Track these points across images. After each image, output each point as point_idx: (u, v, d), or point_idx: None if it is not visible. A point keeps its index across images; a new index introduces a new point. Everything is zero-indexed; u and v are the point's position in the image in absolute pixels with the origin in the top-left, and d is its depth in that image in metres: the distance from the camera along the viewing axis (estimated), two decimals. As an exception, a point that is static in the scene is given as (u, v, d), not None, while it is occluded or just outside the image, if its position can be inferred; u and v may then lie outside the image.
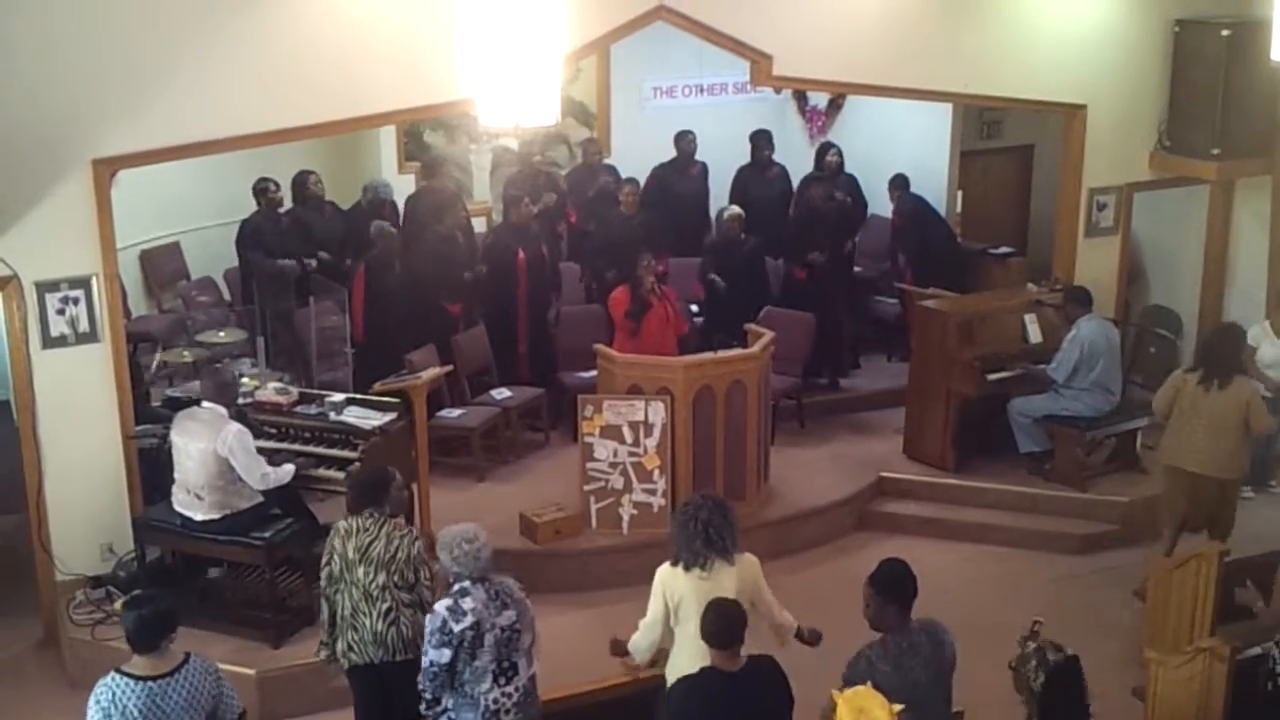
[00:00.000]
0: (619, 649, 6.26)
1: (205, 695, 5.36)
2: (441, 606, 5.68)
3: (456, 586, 5.72)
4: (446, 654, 5.63)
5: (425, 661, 5.70)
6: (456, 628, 5.59)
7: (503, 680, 5.70)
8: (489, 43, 4.82)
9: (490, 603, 5.67)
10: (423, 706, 5.79)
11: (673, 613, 5.93)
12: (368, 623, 6.37)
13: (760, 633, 6.07)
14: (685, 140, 12.21)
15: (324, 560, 6.54)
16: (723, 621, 5.33)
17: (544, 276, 10.85)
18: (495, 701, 5.69)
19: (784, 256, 11.46)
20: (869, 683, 5.24)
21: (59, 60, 7.63)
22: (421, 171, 11.96)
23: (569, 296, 11.36)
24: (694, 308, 11.29)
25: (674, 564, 6.00)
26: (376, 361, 9.59)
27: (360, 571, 6.36)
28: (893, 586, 5.53)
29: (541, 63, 4.88)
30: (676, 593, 5.90)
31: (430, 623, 5.69)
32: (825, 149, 12.36)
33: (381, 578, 6.32)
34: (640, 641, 6.12)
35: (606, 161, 12.39)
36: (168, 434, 7.83)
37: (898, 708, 4.94)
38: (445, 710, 5.80)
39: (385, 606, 6.34)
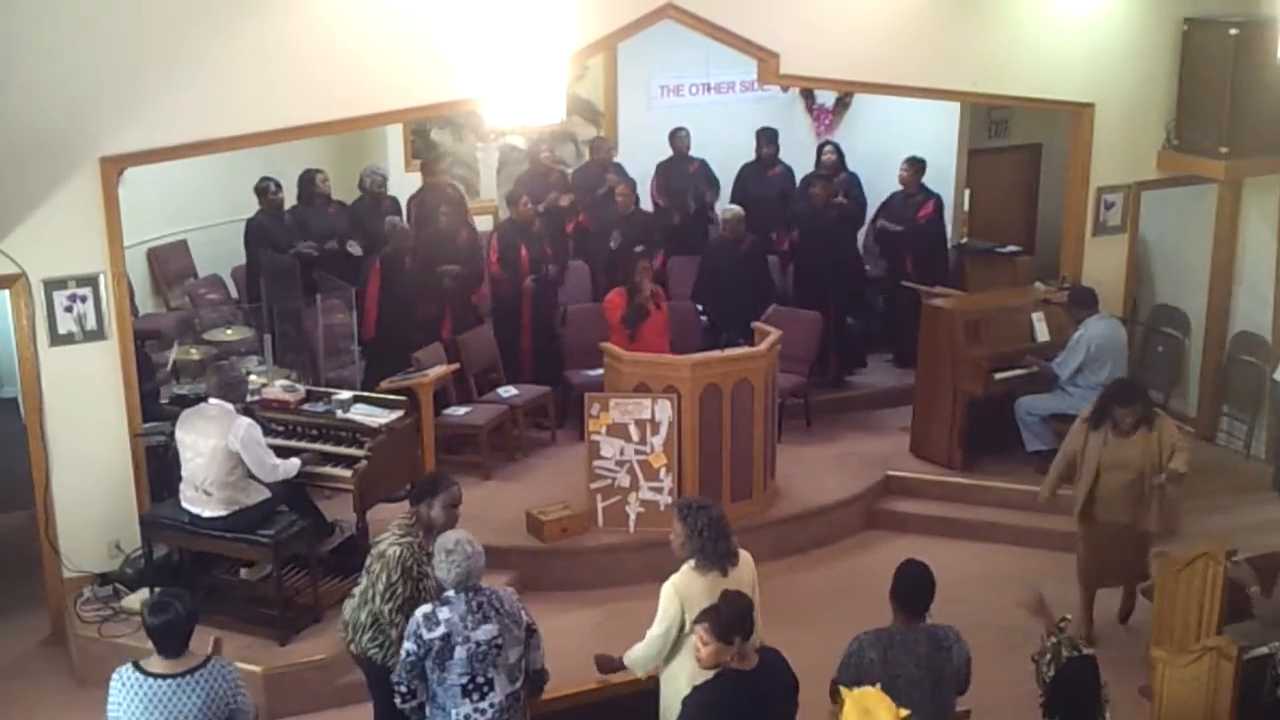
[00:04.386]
0: (609, 665, 6.13)
1: (222, 700, 5.31)
2: (420, 611, 5.62)
3: (444, 594, 5.65)
4: (416, 650, 5.58)
5: (402, 653, 5.67)
6: (426, 635, 5.53)
7: (475, 696, 5.56)
8: (495, 41, 4.82)
9: (469, 615, 5.54)
10: (398, 700, 5.72)
11: (688, 619, 5.81)
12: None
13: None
14: (678, 137, 12.24)
15: None
16: (737, 612, 5.24)
17: (548, 274, 10.87)
18: (466, 717, 5.57)
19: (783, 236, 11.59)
20: (857, 665, 5.35)
21: (67, 58, 7.64)
22: (422, 170, 12.00)
23: (576, 295, 11.37)
24: (699, 306, 11.31)
25: (696, 568, 5.88)
26: (385, 358, 9.61)
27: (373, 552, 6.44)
28: (900, 589, 5.57)
29: (547, 61, 4.89)
30: (692, 598, 5.74)
31: (410, 622, 5.66)
32: (821, 147, 12.36)
33: (369, 558, 6.37)
34: (645, 654, 5.91)
35: (615, 160, 12.39)
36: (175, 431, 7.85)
37: (904, 713, 4.95)
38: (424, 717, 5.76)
39: (355, 589, 6.45)
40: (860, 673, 5.38)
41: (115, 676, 5.29)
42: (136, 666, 5.29)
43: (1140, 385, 8.41)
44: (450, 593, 5.60)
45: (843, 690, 5.07)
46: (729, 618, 5.23)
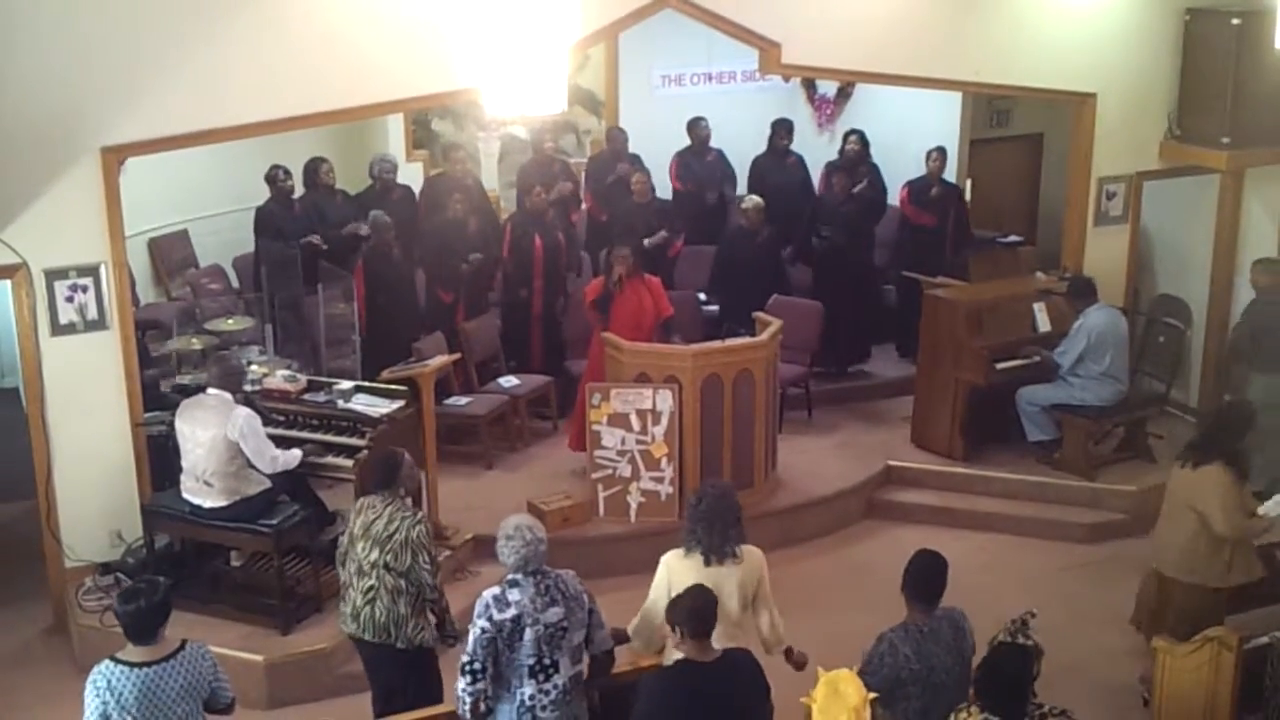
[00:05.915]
0: (620, 637, 6.23)
1: (202, 681, 5.38)
2: (489, 593, 5.66)
3: (509, 577, 5.69)
4: (490, 628, 5.59)
5: (475, 630, 5.63)
6: (497, 616, 5.57)
7: (541, 677, 5.61)
8: (496, 31, 4.82)
9: (538, 598, 5.61)
10: (466, 680, 5.58)
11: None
12: (353, 596, 6.54)
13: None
14: (699, 126, 12.19)
15: (343, 534, 6.75)
16: (699, 605, 5.32)
17: (560, 263, 10.88)
18: (531, 698, 5.61)
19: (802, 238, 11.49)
20: (892, 664, 5.33)
21: (68, 48, 7.64)
22: (430, 160, 11.99)
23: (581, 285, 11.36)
24: (702, 296, 11.29)
25: (688, 552, 6.00)
26: (382, 350, 9.61)
27: (360, 546, 6.49)
28: (915, 581, 5.61)
29: (548, 51, 4.88)
30: (682, 582, 5.82)
31: (478, 604, 5.68)
32: (847, 136, 12.30)
33: (375, 554, 6.42)
34: (636, 623, 6.09)
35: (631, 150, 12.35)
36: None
37: (872, 695, 4.98)
38: (485, 697, 5.73)
39: (368, 584, 6.45)
40: (897, 670, 5.42)
41: (95, 673, 5.28)
42: (116, 660, 5.29)
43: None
44: (518, 575, 5.66)
45: (819, 670, 5.10)
46: (685, 609, 5.32)
